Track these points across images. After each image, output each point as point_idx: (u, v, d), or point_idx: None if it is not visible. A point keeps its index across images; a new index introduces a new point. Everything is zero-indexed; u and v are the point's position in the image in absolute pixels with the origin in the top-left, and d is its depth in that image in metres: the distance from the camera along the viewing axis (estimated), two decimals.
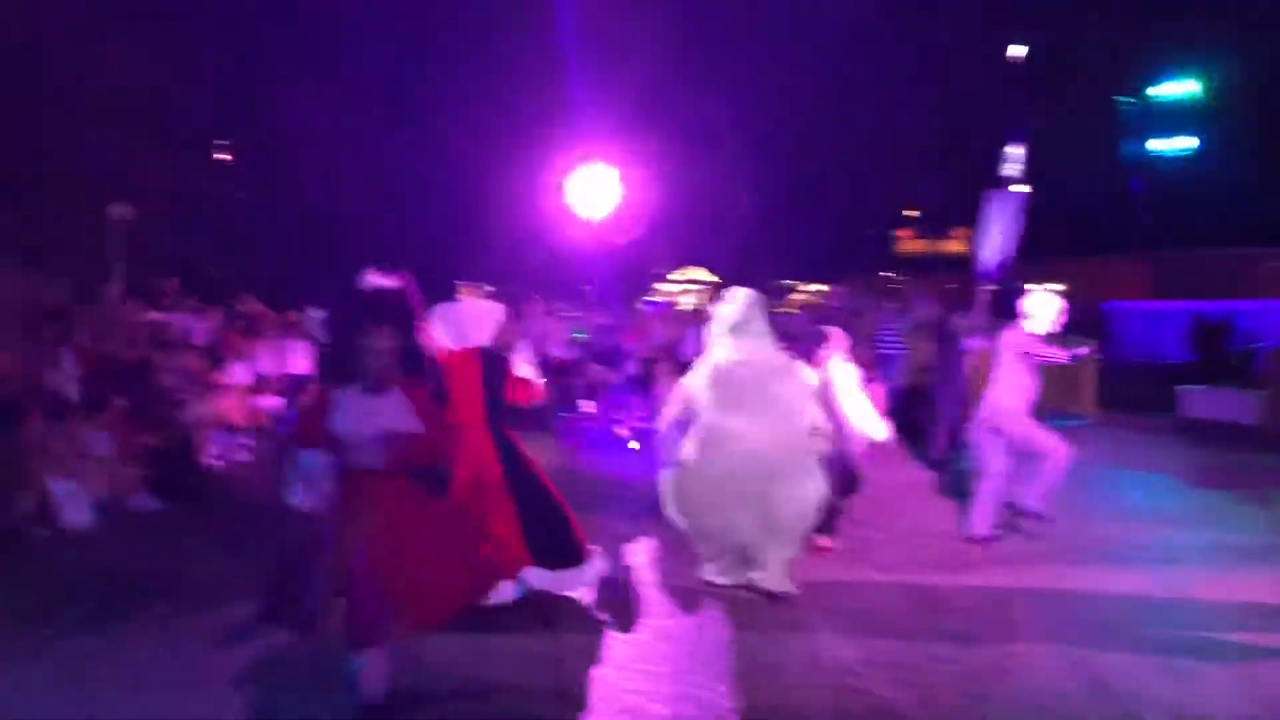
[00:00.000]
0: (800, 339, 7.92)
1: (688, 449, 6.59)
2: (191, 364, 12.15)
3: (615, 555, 7.42)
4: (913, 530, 8.23)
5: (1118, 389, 16.37)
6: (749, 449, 6.40)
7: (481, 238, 24.95)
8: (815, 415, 6.70)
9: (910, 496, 9.61)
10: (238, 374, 13.15)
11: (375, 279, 4.80)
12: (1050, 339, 7.69)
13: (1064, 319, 7.82)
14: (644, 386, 14.64)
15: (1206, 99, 26.26)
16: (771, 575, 6.43)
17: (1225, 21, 26.91)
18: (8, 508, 8.09)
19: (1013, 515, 7.78)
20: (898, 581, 6.80)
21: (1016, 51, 24.90)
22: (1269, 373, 13.59)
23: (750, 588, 6.48)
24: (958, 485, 10.05)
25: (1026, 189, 11.92)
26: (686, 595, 6.47)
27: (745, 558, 6.51)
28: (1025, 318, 7.73)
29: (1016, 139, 12.52)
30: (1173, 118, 26.55)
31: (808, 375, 7.33)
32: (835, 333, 7.77)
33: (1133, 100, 26.86)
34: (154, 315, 12.81)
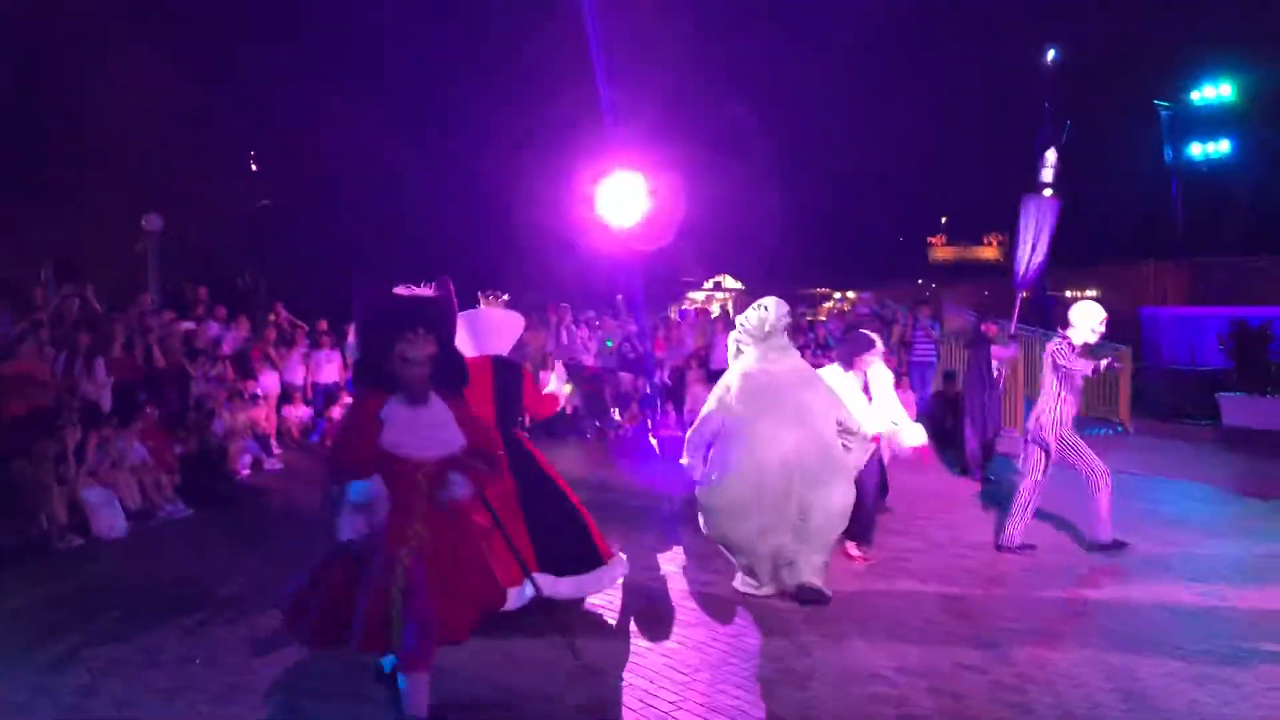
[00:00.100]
0: (843, 343, 7.91)
1: (719, 458, 6.56)
2: (223, 373, 12.25)
3: (647, 564, 7.41)
4: (948, 540, 8.15)
5: (1155, 396, 16.20)
6: (780, 456, 6.38)
7: (512, 246, 25.01)
8: (846, 420, 6.67)
9: (943, 505, 9.53)
10: (268, 383, 13.25)
11: (412, 287, 4.66)
12: (1086, 350, 7.59)
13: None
14: (675, 395, 14.63)
15: (1240, 103, 25.94)
16: (806, 571, 6.39)
17: (1259, 25, 26.64)
18: (42, 517, 8.15)
19: (1089, 547, 7.60)
20: (931, 591, 6.73)
21: (1051, 57, 24.68)
22: None
23: (783, 595, 6.44)
24: (990, 494, 9.97)
25: (1059, 196, 11.79)
26: (717, 604, 6.43)
27: (778, 566, 6.46)
28: (1069, 326, 7.61)
29: (1052, 145, 12.42)
30: (1207, 122, 26.22)
31: (840, 381, 7.33)
32: (876, 339, 7.76)
33: (1168, 105, 26.56)
34: (186, 325, 12.91)
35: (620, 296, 17.43)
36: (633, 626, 6.04)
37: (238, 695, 4.96)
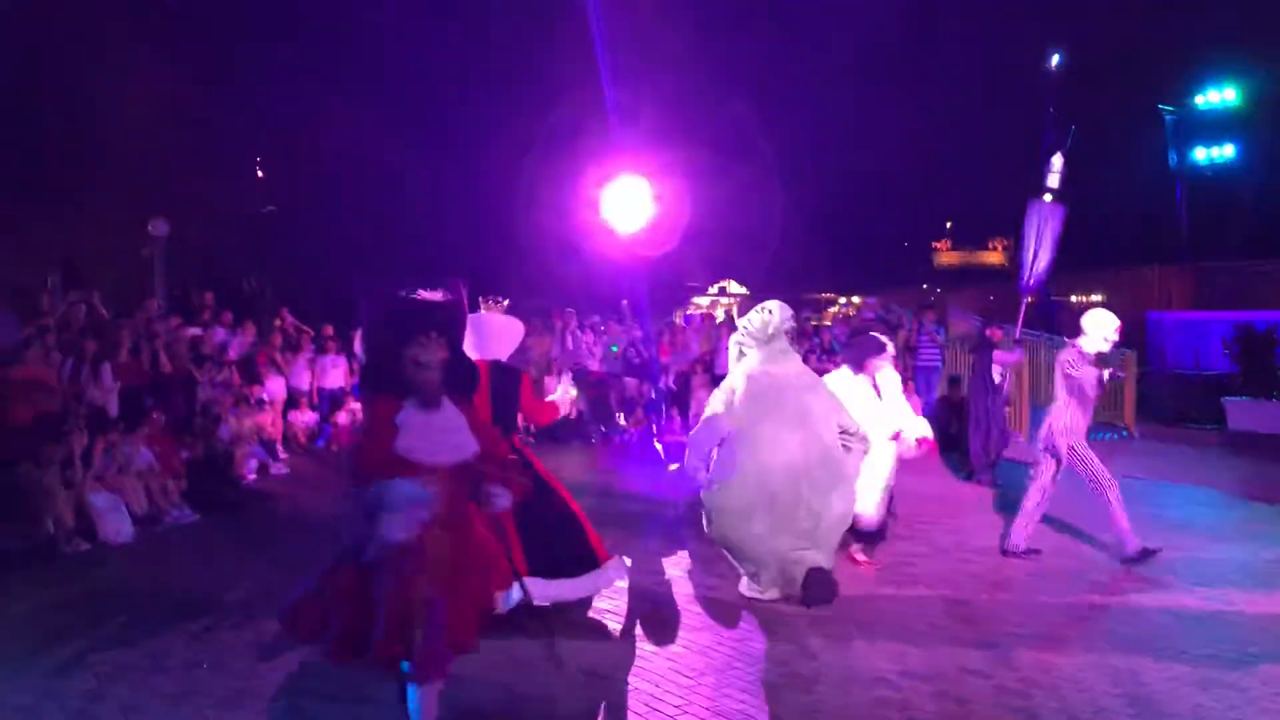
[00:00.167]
0: (853, 347, 7.92)
1: (724, 460, 6.57)
2: (229, 378, 12.28)
3: (651, 568, 7.42)
4: (952, 544, 8.16)
5: (1160, 401, 16.19)
6: (785, 460, 6.39)
7: (513, 248, 25.04)
8: (847, 424, 6.69)
9: (948, 510, 9.52)
10: (273, 388, 13.28)
11: (421, 289, 4.58)
12: (1100, 358, 7.56)
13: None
14: (680, 400, 14.65)
15: (1245, 107, 25.94)
16: (812, 562, 6.43)
17: (1263, 29, 26.63)
18: (48, 521, 8.17)
19: (1122, 561, 7.51)
20: (936, 595, 6.73)
21: (1056, 61, 24.68)
22: None
23: (788, 600, 6.45)
24: (995, 499, 9.98)
25: (1064, 202, 11.79)
26: (722, 608, 6.44)
27: (782, 568, 6.47)
28: (1081, 334, 7.59)
29: (1058, 150, 12.40)
30: (1212, 127, 26.22)
31: (850, 384, 7.36)
32: (887, 342, 7.78)
33: (1172, 109, 26.55)
34: (192, 330, 12.95)
35: (625, 302, 17.46)
36: (638, 630, 6.04)
37: (244, 700, 4.98)
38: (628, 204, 14.45)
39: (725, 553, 6.80)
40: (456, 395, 4.32)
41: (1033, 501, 7.66)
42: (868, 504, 7.32)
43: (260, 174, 26.60)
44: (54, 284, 14.14)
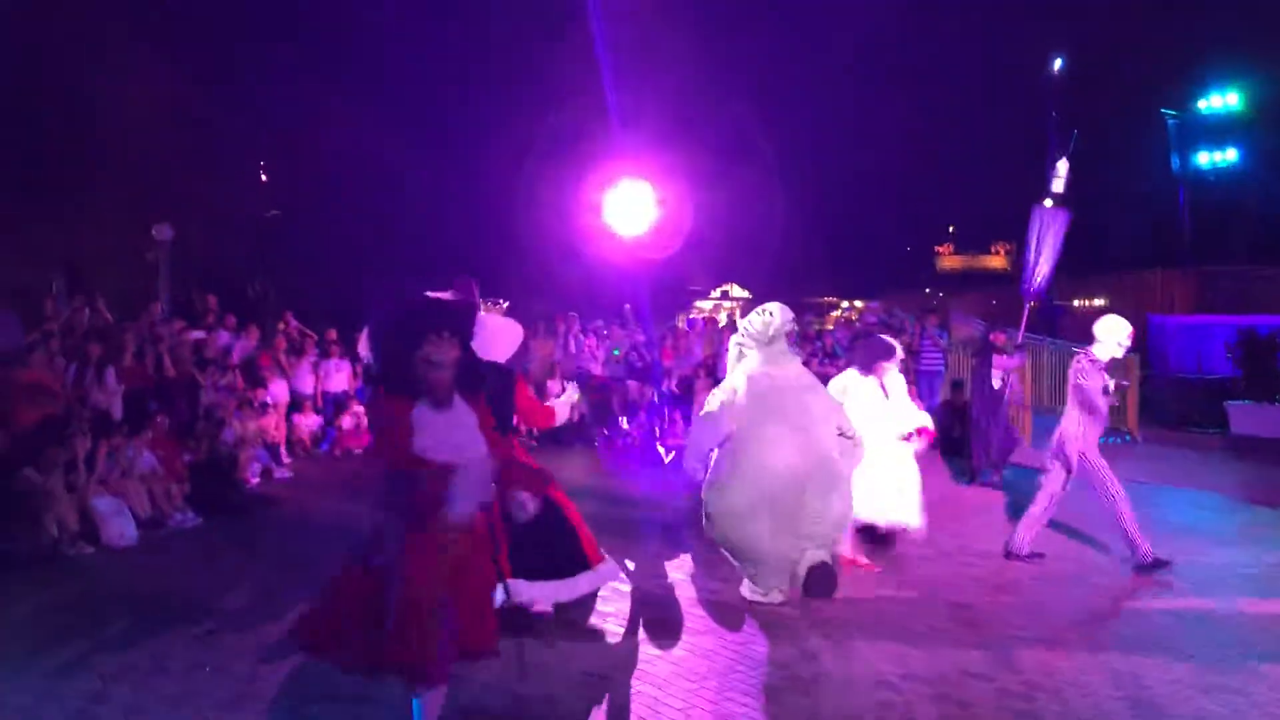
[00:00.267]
0: (862, 349, 7.94)
1: (727, 461, 6.58)
2: (233, 382, 12.29)
3: (654, 571, 7.43)
4: (955, 548, 8.15)
5: (1163, 405, 16.17)
6: (787, 462, 6.41)
7: (514, 248, 25.09)
8: (846, 427, 6.71)
9: (950, 513, 9.50)
10: (277, 392, 13.29)
11: (431, 289, 4.52)
12: (1113, 365, 7.53)
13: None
14: (683, 403, 14.65)
15: (1247, 112, 25.95)
16: (813, 559, 6.52)
17: (1266, 34, 26.63)
18: (52, 524, 8.18)
19: (1135, 569, 7.44)
20: (938, 598, 6.73)
21: (1059, 65, 24.69)
22: None
23: (789, 604, 6.46)
24: (998, 503, 9.98)
25: (1068, 207, 11.77)
26: (725, 611, 6.44)
27: (785, 568, 6.49)
28: (1094, 341, 7.55)
29: (1061, 154, 12.39)
30: (1214, 131, 26.23)
31: (859, 386, 7.39)
32: (896, 345, 7.82)
33: (1175, 114, 26.57)
34: (196, 334, 12.97)
35: (628, 305, 17.47)
36: (640, 633, 6.05)
37: (245, 702, 4.99)
38: (630, 208, 14.47)
39: (726, 554, 6.80)
40: (468, 394, 4.30)
41: (1040, 506, 7.64)
42: (912, 513, 7.32)
43: (264, 177, 26.63)
44: (58, 288, 14.17)
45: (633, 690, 5.13)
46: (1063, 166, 12.10)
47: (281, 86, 24.12)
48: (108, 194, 19.61)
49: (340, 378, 14.54)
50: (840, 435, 6.67)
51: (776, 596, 6.52)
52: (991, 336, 11.61)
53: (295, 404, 13.82)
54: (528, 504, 4.27)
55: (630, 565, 7.55)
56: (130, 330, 11.80)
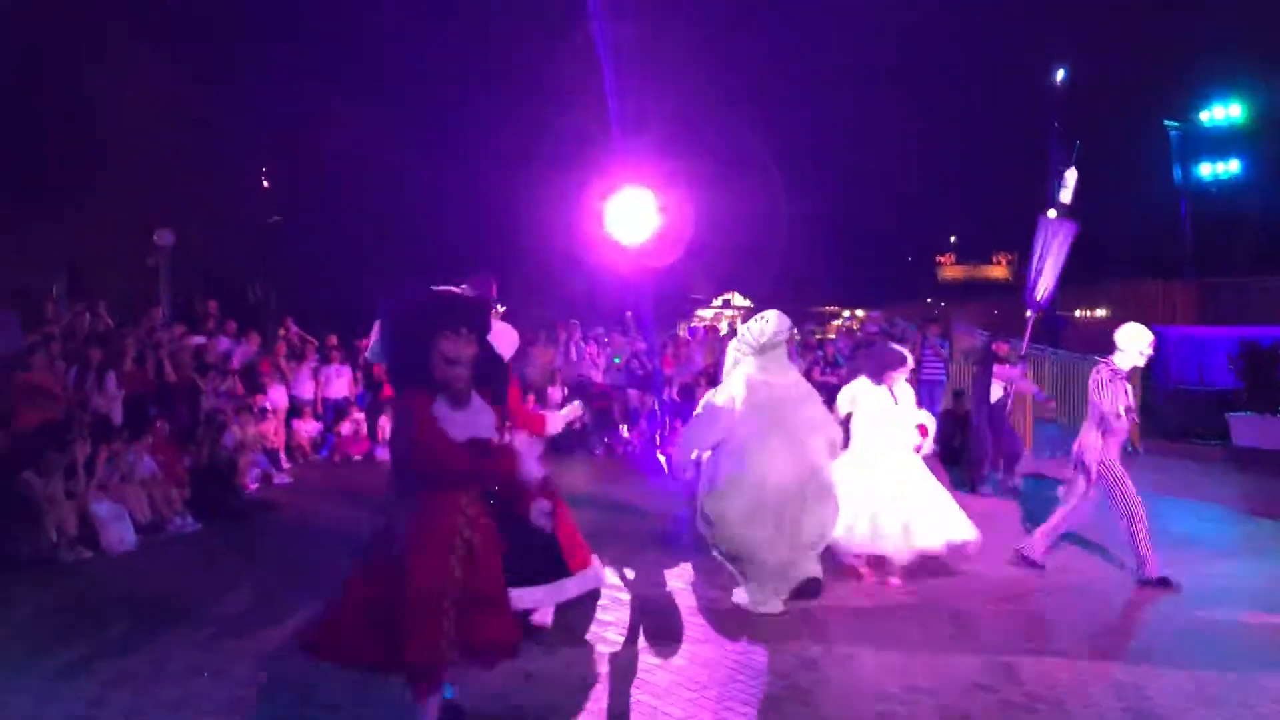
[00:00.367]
0: (872, 357, 7.92)
1: (726, 468, 6.56)
2: (233, 387, 12.29)
3: (654, 580, 7.41)
4: (955, 556, 8.10)
5: (1164, 416, 16.14)
6: (786, 472, 6.41)
7: (518, 254, 25.11)
8: (835, 440, 6.75)
9: None
10: (276, 397, 13.29)
11: (448, 284, 4.39)
12: (1135, 374, 7.45)
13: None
14: (683, 412, 14.63)
15: (1250, 124, 25.97)
16: (806, 570, 6.56)
17: (1269, 46, 26.67)
18: (51, 529, 8.17)
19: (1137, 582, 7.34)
20: (939, 608, 6.71)
21: (1061, 76, 24.72)
22: None
23: (785, 614, 6.44)
24: (997, 512, 9.95)
25: (1074, 217, 11.76)
26: (725, 620, 6.42)
27: (779, 579, 6.49)
28: (1115, 350, 7.47)
29: (1065, 164, 12.38)
30: (1217, 143, 26.25)
31: (871, 394, 7.39)
32: (907, 354, 7.80)
33: (1177, 125, 26.58)
34: (196, 339, 12.97)
35: (629, 313, 17.47)
36: (641, 642, 6.03)
37: (244, 707, 4.97)
38: (632, 215, 14.46)
39: (723, 561, 6.78)
40: (484, 391, 4.24)
41: (1058, 517, 7.59)
42: (965, 526, 7.24)
43: (265, 183, 26.65)
44: (59, 291, 14.16)
45: (632, 699, 5.11)
46: (1071, 177, 12.08)
47: (281, 86, 24.13)
48: (108, 194, 19.61)
49: (340, 384, 14.54)
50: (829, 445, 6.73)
51: (776, 605, 6.50)
52: (994, 346, 11.59)
53: (295, 410, 13.82)
54: (547, 514, 4.21)
55: (630, 574, 7.53)
56: (131, 335, 11.79)
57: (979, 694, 5.14)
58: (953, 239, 74.74)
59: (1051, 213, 11.94)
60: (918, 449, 7.49)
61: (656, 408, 14.82)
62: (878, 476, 7.25)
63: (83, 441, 8.94)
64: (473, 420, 4.06)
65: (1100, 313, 26.81)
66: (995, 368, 11.15)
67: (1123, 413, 7.24)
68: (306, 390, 14.17)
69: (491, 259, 24.88)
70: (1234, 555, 8.29)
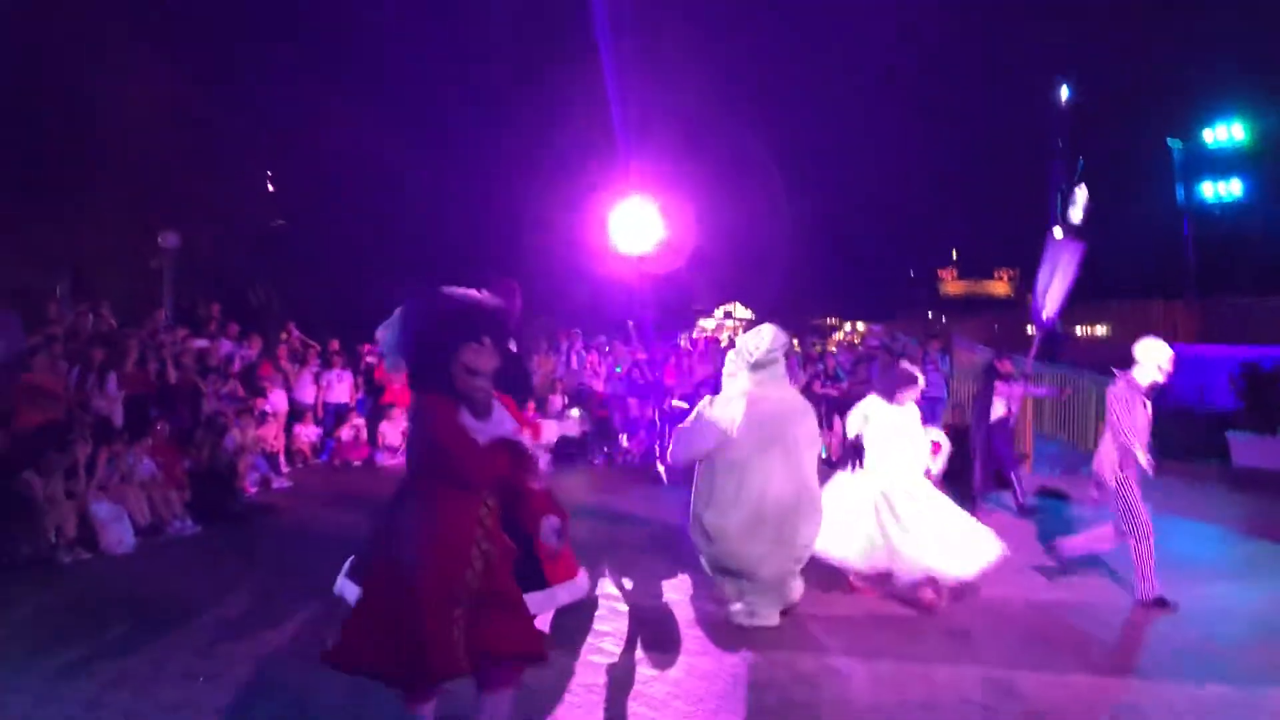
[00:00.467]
0: (885, 378, 7.91)
1: (724, 481, 6.57)
2: (234, 390, 12.30)
3: (651, 591, 7.41)
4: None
5: (1164, 435, 16.13)
6: (782, 487, 6.44)
7: (520, 259, 25.12)
8: (818, 452, 6.90)
9: None
10: (276, 401, 13.30)
11: (469, 290, 4.25)
12: (1154, 390, 7.41)
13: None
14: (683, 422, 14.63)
15: (1253, 144, 26.03)
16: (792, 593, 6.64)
17: (1272, 67, 26.74)
18: (50, 530, 8.18)
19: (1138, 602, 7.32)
20: (936, 624, 6.71)
21: (1065, 95, 24.79)
22: None
23: (785, 627, 6.46)
24: (996, 526, 9.92)
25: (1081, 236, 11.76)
26: (723, 633, 6.42)
27: (776, 592, 6.51)
28: (1134, 364, 7.42)
29: (1068, 182, 12.42)
30: (1220, 163, 26.31)
31: (887, 413, 7.38)
32: (919, 374, 7.78)
33: (1181, 145, 26.64)
34: (199, 342, 12.98)
35: (631, 322, 17.48)
36: (638, 654, 6.03)
37: (243, 709, 4.98)
38: (636, 224, 14.49)
39: (717, 576, 6.76)
40: (507, 399, 4.16)
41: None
42: (993, 545, 7.18)
43: (270, 187, 26.67)
44: (63, 292, 14.18)
45: (629, 711, 5.11)
46: (1081, 195, 12.06)
47: (282, 87, 24.17)
48: (108, 194, 19.64)
49: (342, 389, 14.56)
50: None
51: (773, 618, 6.51)
52: (998, 364, 11.56)
53: (296, 414, 13.83)
54: (556, 532, 4.15)
55: (628, 584, 7.54)
56: (134, 336, 11.81)
57: (975, 711, 5.14)
58: (954, 254, 74.85)
59: (1058, 231, 11.94)
60: (927, 472, 7.45)
61: (657, 418, 14.83)
62: (894, 498, 7.18)
63: (83, 442, 8.94)
64: (495, 432, 3.97)
65: (1100, 331, 26.83)
66: (997, 384, 11.12)
67: (1133, 440, 7.18)
68: (308, 395, 14.19)
69: (492, 257, 24.90)
70: (1233, 576, 8.28)
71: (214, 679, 5.38)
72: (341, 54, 28.20)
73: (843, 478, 7.46)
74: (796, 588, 6.68)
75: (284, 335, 14.95)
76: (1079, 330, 26.96)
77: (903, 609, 7.05)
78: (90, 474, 8.85)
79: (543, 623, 6.00)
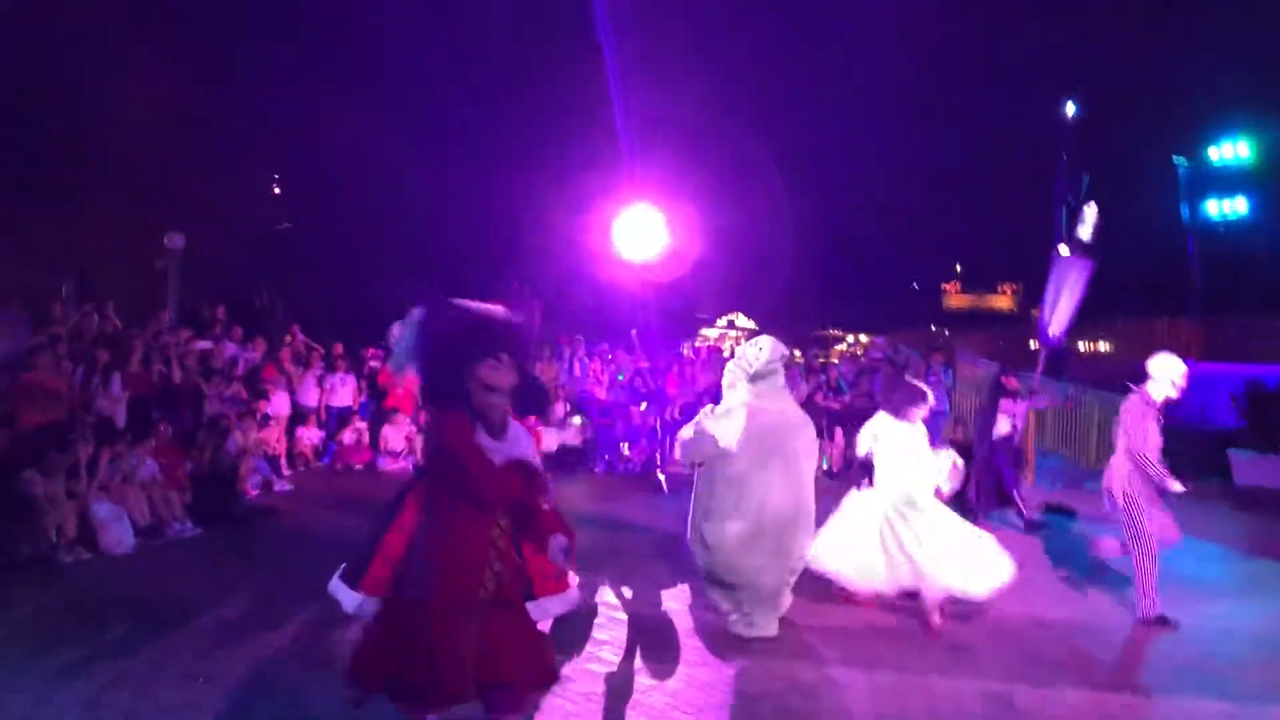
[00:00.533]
0: (896, 395, 7.86)
1: (727, 497, 6.56)
2: (237, 393, 12.30)
3: (650, 601, 7.41)
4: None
5: (1165, 452, 16.11)
6: (782, 498, 6.45)
7: (525, 271, 25.14)
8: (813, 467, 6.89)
9: None
10: (279, 404, 13.30)
11: (487, 304, 4.18)
12: (1168, 404, 7.40)
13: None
14: None
15: (1258, 163, 26.02)
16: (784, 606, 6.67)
17: (1277, 85, 26.75)
18: (51, 529, 8.18)
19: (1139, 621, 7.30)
20: (938, 637, 6.70)
21: (1070, 111, 24.79)
22: None
23: (784, 638, 6.46)
24: (994, 540, 9.90)
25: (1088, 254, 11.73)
26: (721, 642, 6.42)
27: (773, 602, 6.50)
28: (1148, 379, 7.42)
29: (1073, 198, 12.41)
30: (1225, 181, 26.30)
31: (897, 430, 7.35)
32: (929, 391, 7.74)
33: (1186, 162, 26.65)
34: (203, 344, 12.99)
35: (634, 331, 17.47)
36: (637, 663, 6.03)
37: (242, 711, 4.98)
38: (640, 234, 14.50)
39: (713, 587, 6.75)
40: (523, 415, 4.11)
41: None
42: (1006, 565, 7.10)
43: (277, 190, 26.71)
44: (68, 292, 14.20)
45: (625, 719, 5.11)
46: (1090, 213, 12.01)
47: (282, 87, 24.21)
48: (109, 195, 19.68)
49: (345, 392, 14.56)
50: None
51: (771, 629, 6.51)
52: (1004, 379, 11.51)
53: (299, 417, 13.84)
54: (564, 551, 4.13)
55: (627, 593, 7.53)
56: (138, 337, 11.82)
57: None
58: (958, 267, 74.81)
59: (1063, 249, 11.92)
60: (937, 490, 7.41)
61: (658, 426, 14.82)
62: (909, 516, 7.14)
63: (85, 442, 8.95)
64: (510, 451, 3.91)
65: (1103, 347, 26.81)
66: (1002, 401, 11.08)
67: (1146, 457, 7.17)
68: (311, 398, 14.20)
69: (493, 258, 24.90)
70: (1234, 595, 8.28)
71: (214, 680, 5.39)
72: (341, 54, 28.27)
73: (855, 496, 7.41)
74: (788, 599, 6.71)
75: (288, 338, 14.96)
76: (1082, 346, 26.92)
77: (901, 621, 7.03)
78: (92, 474, 8.86)
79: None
